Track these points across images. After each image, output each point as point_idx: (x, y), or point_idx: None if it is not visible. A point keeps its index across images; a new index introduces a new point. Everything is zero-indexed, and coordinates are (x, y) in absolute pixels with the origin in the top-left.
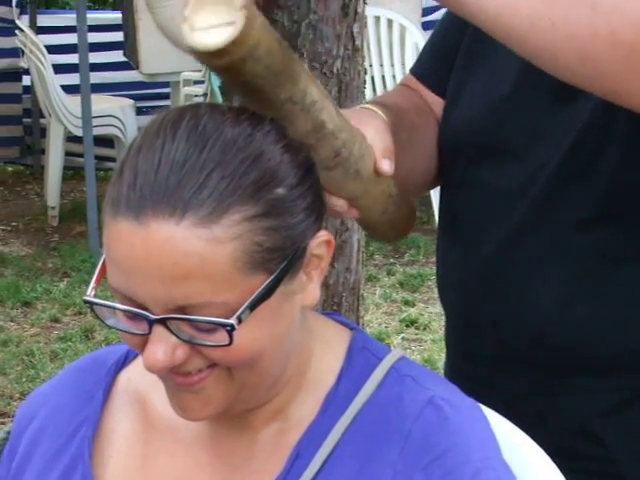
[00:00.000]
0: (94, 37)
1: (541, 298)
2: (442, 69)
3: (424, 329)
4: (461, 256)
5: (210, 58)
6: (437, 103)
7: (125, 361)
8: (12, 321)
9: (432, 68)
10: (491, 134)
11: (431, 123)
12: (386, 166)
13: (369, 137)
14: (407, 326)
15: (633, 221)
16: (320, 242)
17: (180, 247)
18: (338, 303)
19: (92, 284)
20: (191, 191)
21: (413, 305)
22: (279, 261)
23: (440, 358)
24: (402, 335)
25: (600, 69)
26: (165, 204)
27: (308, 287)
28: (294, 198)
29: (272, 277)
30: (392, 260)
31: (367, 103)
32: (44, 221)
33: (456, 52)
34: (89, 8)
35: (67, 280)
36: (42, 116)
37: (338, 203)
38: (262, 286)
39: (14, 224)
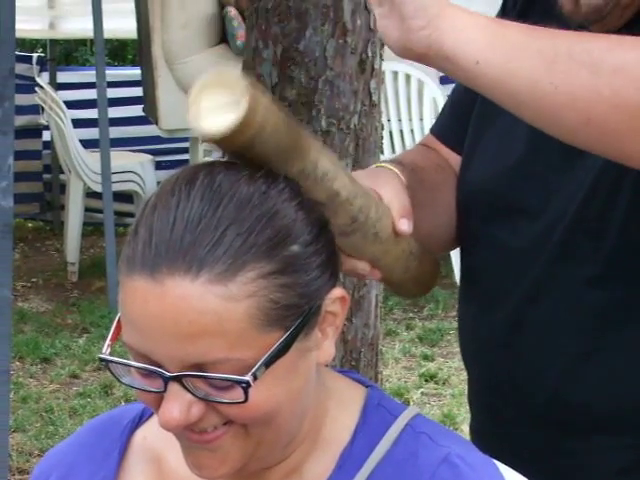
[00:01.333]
0: (113, 92)
1: (557, 356)
2: (460, 127)
3: (443, 384)
4: (479, 314)
5: (218, 143)
6: (457, 161)
7: (141, 419)
8: (31, 377)
9: (450, 126)
10: (504, 193)
11: (450, 181)
12: (404, 226)
13: (386, 198)
14: (426, 381)
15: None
16: (335, 299)
17: (196, 304)
18: (356, 359)
19: (107, 342)
20: (206, 248)
21: (432, 360)
22: (294, 318)
23: (460, 413)
24: (421, 390)
25: (604, 131)
26: (181, 261)
27: (323, 344)
28: (309, 255)
29: (287, 334)
30: (411, 314)
31: (383, 162)
32: (64, 277)
33: (473, 110)
34: (108, 64)
35: (86, 336)
36: (62, 172)
37: (360, 266)
38: (277, 343)
39: (34, 280)
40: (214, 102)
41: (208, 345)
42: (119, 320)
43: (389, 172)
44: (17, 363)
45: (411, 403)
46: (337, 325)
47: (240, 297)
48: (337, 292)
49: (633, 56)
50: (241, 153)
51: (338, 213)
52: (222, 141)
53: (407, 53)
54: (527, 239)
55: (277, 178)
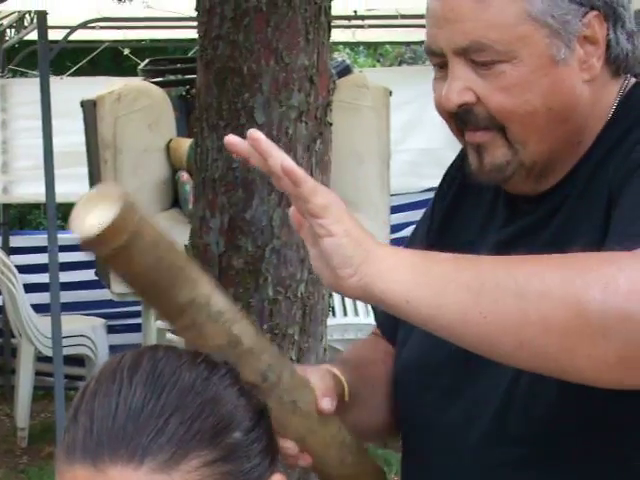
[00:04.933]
0: (65, 257)
1: None
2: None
3: None
4: None
5: (94, 244)
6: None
7: None
8: None
9: (387, 318)
10: (432, 372)
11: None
12: (326, 404)
13: (312, 381)
14: None
15: (570, 460)
16: None
17: None
18: None
19: None
20: (149, 437)
21: None
22: None
23: None
24: None
25: (538, 353)
26: (123, 450)
27: None
28: (251, 442)
29: None
30: None
31: (326, 363)
32: (13, 442)
33: None
34: (61, 228)
35: None
36: (13, 336)
37: (286, 444)
38: None
39: None
40: (95, 213)
41: None
42: None
43: (321, 368)
44: None
45: None
46: None
47: None
48: (277, 478)
49: (557, 278)
50: (122, 260)
51: (243, 365)
52: (98, 242)
53: (342, 293)
54: (454, 418)
55: (218, 364)
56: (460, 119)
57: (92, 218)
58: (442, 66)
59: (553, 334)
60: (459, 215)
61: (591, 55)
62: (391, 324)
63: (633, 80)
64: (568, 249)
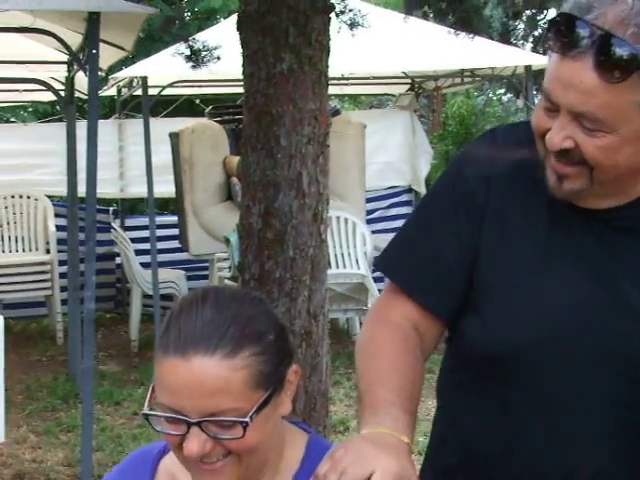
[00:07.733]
0: (160, 232)
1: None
2: (442, 291)
3: None
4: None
5: None
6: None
7: (165, 450)
8: (107, 415)
9: (434, 292)
10: (576, 341)
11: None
12: None
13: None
14: None
15: None
16: (293, 372)
17: (213, 373)
18: (314, 403)
19: (147, 403)
20: (218, 337)
21: None
22: (271, 383)
23: None
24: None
25: None
26: (201, 345)
27: (285, 401)
28: (279, 343)
29: (268, 393)
30: (351, 370)
31: (387, 419)
32: (129, 349)
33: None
34: (158, 213)
35: (143, 387)
36: (127, 282)
37: None
38: (262, 398)
39: (110, 351)
40: None
41: (220, 399)
42: (153, 388)
43: (399, 445)
44: (98, 406)
45: (350, 429)
46: (293, 390)
47: (240, 368)
48: (294, 367)
49: None
50: None
51: None
52: None
53: None
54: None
55: (258, 297)
56: (557, 154)
57: None
58: (550, 110)
59: None
60: (512, 217)
61: None
62: (441, 300)
63: None
64: None
